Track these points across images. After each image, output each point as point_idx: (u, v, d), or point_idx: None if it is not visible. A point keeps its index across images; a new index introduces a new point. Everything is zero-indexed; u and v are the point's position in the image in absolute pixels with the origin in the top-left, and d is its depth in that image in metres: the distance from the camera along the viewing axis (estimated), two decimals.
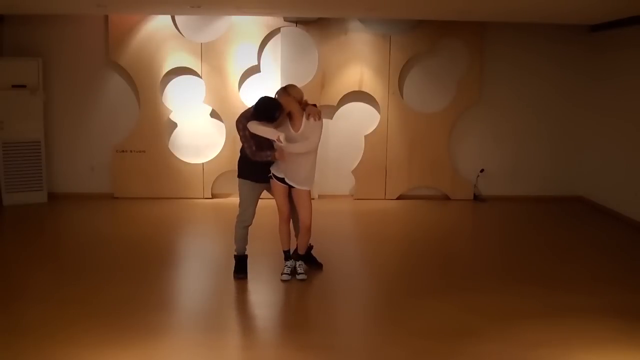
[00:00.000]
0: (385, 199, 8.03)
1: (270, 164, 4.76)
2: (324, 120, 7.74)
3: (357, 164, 7.97)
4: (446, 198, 8.13)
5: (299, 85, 7.68)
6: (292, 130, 4.65)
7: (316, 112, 4.64)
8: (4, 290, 4.56)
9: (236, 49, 7.67)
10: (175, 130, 7.90)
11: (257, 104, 4.56)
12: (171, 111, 7.75)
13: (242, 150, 4.81)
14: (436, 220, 7.25)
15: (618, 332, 3.99)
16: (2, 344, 3.63)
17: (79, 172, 7.87)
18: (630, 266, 5.48)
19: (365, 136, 7.94)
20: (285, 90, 4.64)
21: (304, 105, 4.67)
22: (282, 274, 4.93)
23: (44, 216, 7.08)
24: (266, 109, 4.51)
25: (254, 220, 4.90)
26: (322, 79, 7.78)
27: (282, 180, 4.75)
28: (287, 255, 5.01)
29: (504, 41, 7.90)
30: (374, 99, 7.88)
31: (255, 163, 4.71)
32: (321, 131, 4.68)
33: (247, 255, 5.01)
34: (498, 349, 3.72)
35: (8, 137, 7.24)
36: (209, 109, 7.84)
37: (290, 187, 4.78)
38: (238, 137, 4.73)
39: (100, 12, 7.25)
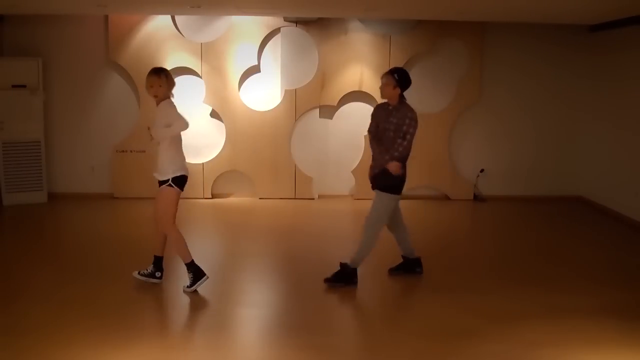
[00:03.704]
0: None
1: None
2: (327, 120, 7.66)
3: (357, 164, 7.97)
4: (446, 198, 8.13)
5: (299, 85, 7.80)
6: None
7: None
8: (4, 291, 4.56)
9: (236, 49, 7.67)
10: None
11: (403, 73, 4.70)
12: None
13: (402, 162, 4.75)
14: (436, 220, 7.25)
15: (618, 333, 4.00)
16: (2, 344, 3.63)
17: (79, 172, 7.87)
18: (630, 266, 5.48)
19: (365, 136, 7.93)
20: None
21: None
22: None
23: (44, 216, 7.09)
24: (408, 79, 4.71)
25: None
26: (322, 79, 7.78)
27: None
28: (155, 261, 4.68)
29: (504, 42, 7.91)
30: (374, 99, 7.88)
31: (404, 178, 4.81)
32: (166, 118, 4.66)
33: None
34: (498, 350, 3.72)
35: (8, 137, 7.24)
36: (209, 109, 7.84)
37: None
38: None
39: (100, 12, 7.25)
